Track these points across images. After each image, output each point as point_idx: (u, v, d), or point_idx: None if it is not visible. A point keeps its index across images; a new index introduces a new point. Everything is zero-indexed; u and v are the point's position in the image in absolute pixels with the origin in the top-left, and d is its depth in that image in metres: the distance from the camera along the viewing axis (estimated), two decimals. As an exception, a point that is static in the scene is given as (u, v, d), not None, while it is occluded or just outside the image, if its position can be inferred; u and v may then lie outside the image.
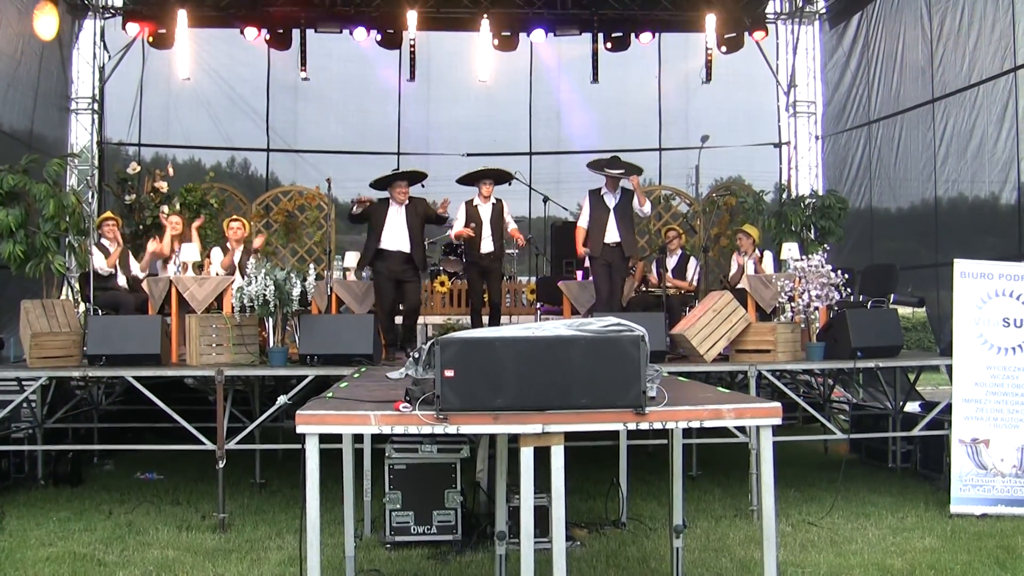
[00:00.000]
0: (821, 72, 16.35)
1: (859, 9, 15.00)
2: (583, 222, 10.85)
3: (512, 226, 11.34)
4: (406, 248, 10.40)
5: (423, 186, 11.12)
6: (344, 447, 6.83)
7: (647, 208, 10.86)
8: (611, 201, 10.71)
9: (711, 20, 15.49)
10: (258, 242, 11.63)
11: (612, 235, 10.62)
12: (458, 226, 11.24)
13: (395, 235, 10.42)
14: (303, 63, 15.67)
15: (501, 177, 11.57)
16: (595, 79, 16.23)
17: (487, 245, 11.11)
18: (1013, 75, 11.13)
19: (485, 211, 11.15)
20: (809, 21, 16.47)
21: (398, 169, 11.41)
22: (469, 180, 11.40)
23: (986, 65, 11.71)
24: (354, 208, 10.65)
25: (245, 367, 9.37)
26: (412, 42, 15.56)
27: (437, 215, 10.84)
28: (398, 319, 10.83)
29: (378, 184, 10.67)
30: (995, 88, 11.54)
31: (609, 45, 16.19)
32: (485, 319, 11.26)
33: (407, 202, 10.50)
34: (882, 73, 14.38)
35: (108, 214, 11.41)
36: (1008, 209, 11.36)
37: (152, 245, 11.21)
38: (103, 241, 10.86)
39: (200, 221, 11.94)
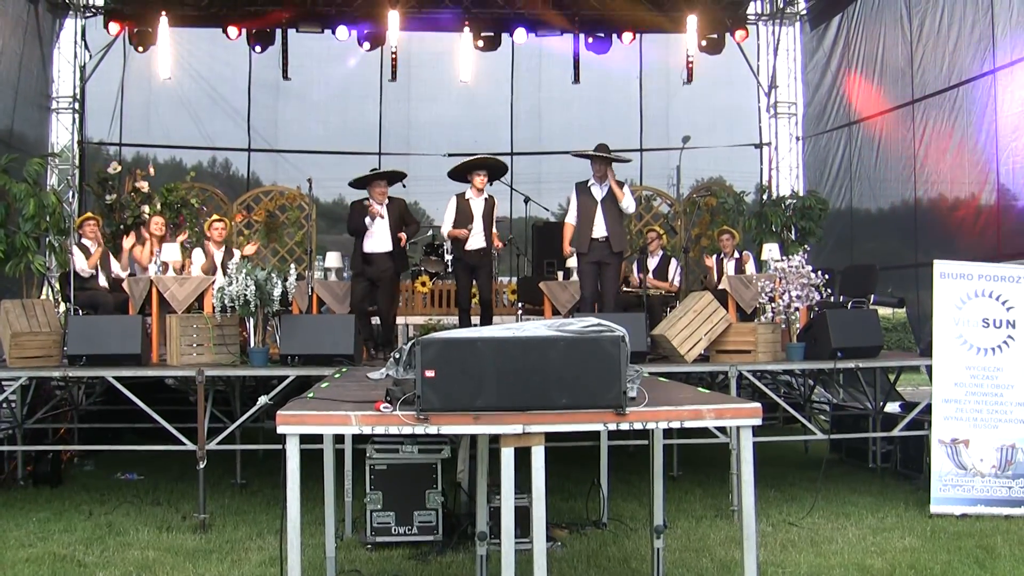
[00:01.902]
0: (802, 73, 16.44)
1: (839, 11, 15.07)
2: (571, 218, 10.29)
3: (493, 231, 10.87)
4: (388, 248, 10.36)
5: (404, 186, 11.05)
6: (325, 447, 6.81)
7: (626, 203, 10.16)
8: (599, 193, 10.09)
9: (692, 21, 15.50)
10: (250, 250, 11.59)
11: (600, 229, 10.04)
12: (448, 222, 10.72)
13: (378, 237, 10.36)
14: (284, 63, 15.65)
15: (496, 168, 10.99)
16: (576, 79, 16.22)
17: (477, 241, 10.57)
18: (992, 77, 11.20)
19: (477, 205, 10.61)
20: (790, 22, 16.55)
21: (378, 169, 11.24)
22: (460, 172, 10.82)
23: (966, 66, 11.79)
24: (372, 223, 10.35)
25: (226, 367, 9.31)
26: (394, 44, 15.55)
27: (406, 225, 10.58)
28: (374, 319, 10.77)
29: (357, 184, 10.61)
30: (975, 89, 11.61)
31: (591, 40, 16.19)
32: (475, 320, 10.92)
33: (387, 202, 10.44)
34: (862, 74, 14.45)
35: (88, 214, 11.36)
36: (987, 210, 11.43)
37: (135, 251, 11.22)
38: (84, 241, 10.80)
39: (183, 236, 11.95)
